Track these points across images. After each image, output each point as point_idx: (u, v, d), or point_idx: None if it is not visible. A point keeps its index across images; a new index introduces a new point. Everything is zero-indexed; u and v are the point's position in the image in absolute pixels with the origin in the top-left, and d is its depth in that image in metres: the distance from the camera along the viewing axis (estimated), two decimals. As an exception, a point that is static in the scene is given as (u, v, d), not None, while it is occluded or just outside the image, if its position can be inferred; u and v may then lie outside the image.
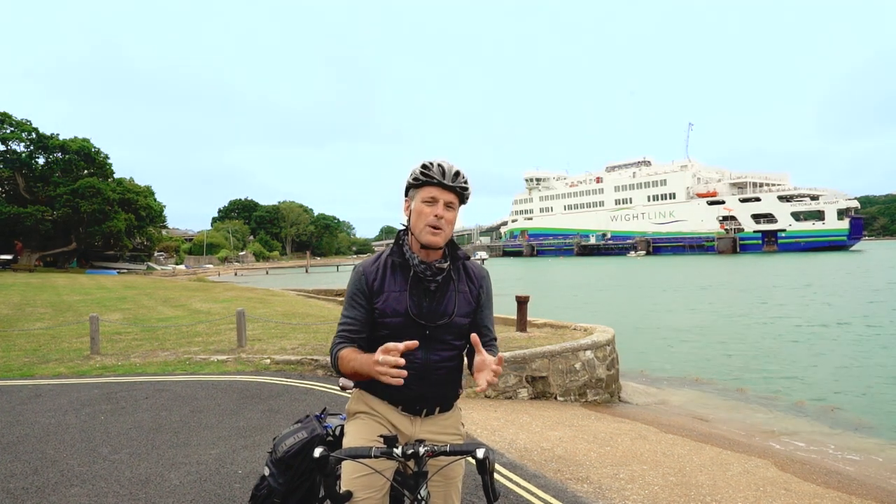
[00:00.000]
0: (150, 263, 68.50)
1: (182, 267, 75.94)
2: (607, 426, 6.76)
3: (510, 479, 4.45)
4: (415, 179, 1.89)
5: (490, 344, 2.06)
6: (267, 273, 76.31)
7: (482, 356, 1.77)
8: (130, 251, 63.05)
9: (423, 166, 1.88)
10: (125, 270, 58.71)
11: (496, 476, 4.50)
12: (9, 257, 53.85)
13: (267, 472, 2.14)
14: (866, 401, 9.57)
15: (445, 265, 1.94)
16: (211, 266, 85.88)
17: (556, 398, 8.17)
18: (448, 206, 1.87)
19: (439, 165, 1.87)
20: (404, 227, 1.98)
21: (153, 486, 4.00)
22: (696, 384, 10.85)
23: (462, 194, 1.90)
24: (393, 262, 1.95)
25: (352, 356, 1.83)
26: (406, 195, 1.95)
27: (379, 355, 1.64)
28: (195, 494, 3.87)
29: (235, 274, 72.49)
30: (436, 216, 1.84)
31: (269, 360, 8.38)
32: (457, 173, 1.88)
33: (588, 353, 8.56)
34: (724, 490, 4.66)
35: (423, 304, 1.91)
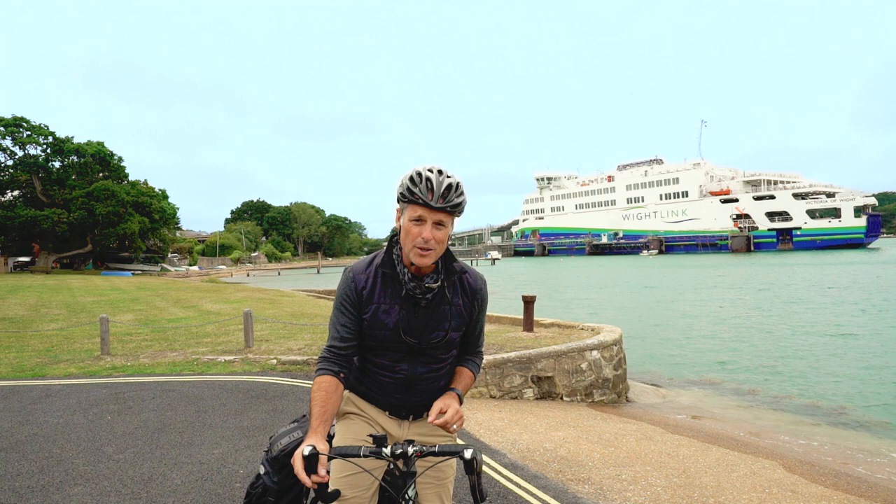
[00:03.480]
0: (163, 265, 69.32)
1: (195, 268, 76.71)
2: (613, 427, 6.71)
3: (510, 480, 4.43)
4: (402, 195, 1.75)
5: (473, 357, 2.04)
6: (279, 274, 76.83)
7: (451, 404, 1.81)
8: (144, 253, 63.82)
9: (412, 180, 1.72)
10: (139, 272, 59.46)
11: (497, 476, 4.49)
12: (26, 259, 54.89)
13: (262, 470, 2.13)
14: (880, 401, 9.40)
15: (436, 285, 1.84)
16: (224, 267, 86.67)
17: (562, 398, 8.12)
18: (437, 225, 1.74)
19: (427, 180, 1.71)
20: (396, 236, 1.88)
21: (155, 486, 4.04)
22: (706, 385, 10.73)
23: (453, 211, 1.76)
24: (384, 273, 1.86)
25: (317, 399, 1.77)
26: (398, 203, 1.81)
27: (300, 467, 1.58)
28: (196, 494, 3.91)
29: (248, 275, 73.10)
30: (423, 238, 1.72)
31: (275, 361, 8.43)
32: (448, 188, 1.72)
33: (594, 353, 8.50)
34: (729, 491, 4.60)
35: (413, 319, 1.85)
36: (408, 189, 1.73)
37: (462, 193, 1.77)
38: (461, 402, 1.88)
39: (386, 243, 1.99)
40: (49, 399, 6.59)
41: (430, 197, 1.71)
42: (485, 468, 4.68)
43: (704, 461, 5.49)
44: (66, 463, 4.49)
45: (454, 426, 1.76)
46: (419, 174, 1.74)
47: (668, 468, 5.12)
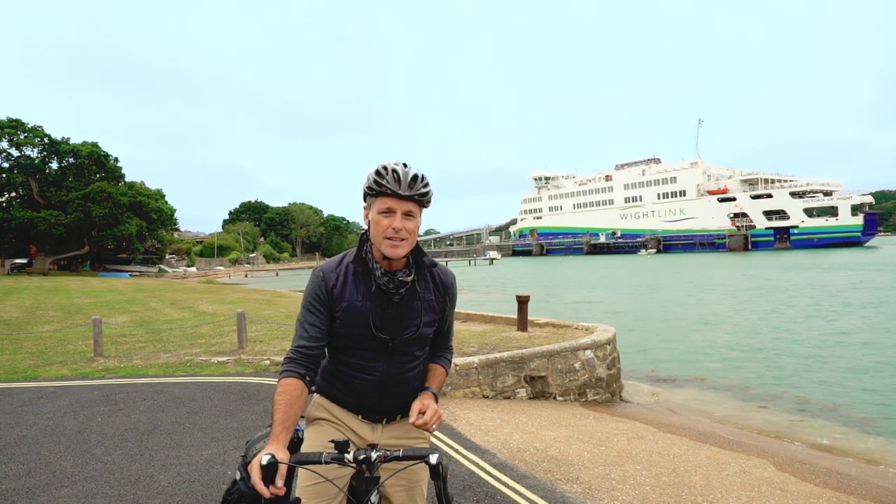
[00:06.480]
0: (161, 266, 69.18)
1: (193, 269, 76.57)
2: (605, 426, 6.71)
3: (499, 480, 4.43)
4: (369, 189, 1.77)
5: (444, 353, 2.06)
6: (277, 274, 76.69)
7: (429, 405, 1.82)
8: (142, 254, 63.71)
9: (377, 173, 1.75)
10: (137, 273, 59.38)
11: (485, 476, 4.49)
12: (24, 261, 54.77)
13: (238, 476, 2.10)
14: (874, 399, 9.41)
15: (409, 279, 1.84)
16: (222, 268, 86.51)
17: (555, 398, 8.12)
18: (407, 215, 1.76)
19: (394, 171, 1.74)
20: (366, 234, 1.87)
21: (142, 487, 4.04)
22: (702, 383, 10.74)
23: (421, 201, 1.79)
24: (356, 270, 1.85)
25: (280, 404, 1.73)
26: (364, 201, 1.83)
27: (257, 476, 1.55)
28: (183, 495, 3.90)
29: (246, 276, 72.94)
30: (394, 229, 1.74)
31: (268, 362, 8.42)
32: (414, 178, 1.74)
33: (588, 352, 8.50)
34: (718, 490, 4.60)
35: (387, 315, 1.83)
36: (375, 182, 1.75)
37: (428, 184, 1.79)
38: (437, 401, 1.89)
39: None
40: (40, 401, 6.57)
41: (398, 186, 1.73)
42: (474, 468, 4.68)
43: (695, 460, 5.50)
44: (54, 465, 4.48)
45: (433, 426, 1.78)
46: (385, 167, 1.76)
47: (657, 467, 5.12)
